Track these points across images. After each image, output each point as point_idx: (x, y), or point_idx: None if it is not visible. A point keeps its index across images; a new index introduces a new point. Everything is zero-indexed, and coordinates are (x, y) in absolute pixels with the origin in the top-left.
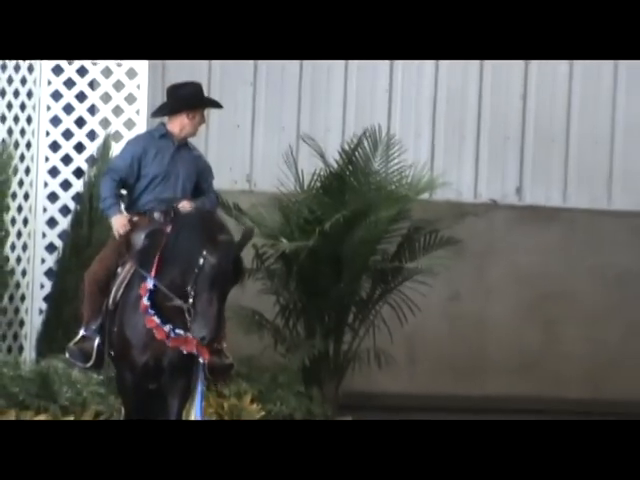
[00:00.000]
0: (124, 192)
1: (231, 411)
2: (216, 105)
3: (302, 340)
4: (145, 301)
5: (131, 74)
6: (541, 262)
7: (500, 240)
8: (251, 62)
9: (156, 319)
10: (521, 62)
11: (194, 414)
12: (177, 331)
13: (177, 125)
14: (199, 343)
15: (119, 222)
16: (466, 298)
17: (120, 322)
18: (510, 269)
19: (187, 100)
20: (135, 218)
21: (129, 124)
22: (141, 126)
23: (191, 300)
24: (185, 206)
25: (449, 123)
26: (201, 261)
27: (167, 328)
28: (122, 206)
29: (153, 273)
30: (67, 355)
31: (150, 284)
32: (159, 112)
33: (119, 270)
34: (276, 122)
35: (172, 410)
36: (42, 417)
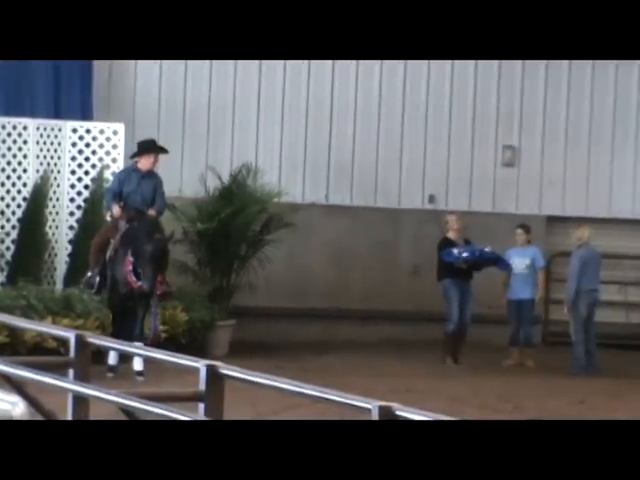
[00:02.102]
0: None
1: (170, 317)
2: (163, 151)
3: (208, 278)
4: (129, 269)
5: (115, 133)
6: (339, 237)
7: (317, 224)
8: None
9: (134, 279)
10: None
11: (152, 322)
12: (139, 282)
13: (141, 164)
14: (143, 286)
15: (116, 209)
16: (298, 254)
17: (112, 269)
18: (322, 239)
19: (146, 149)
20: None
21: (114, 160)
22: (120, 162)
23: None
24: (150, 212)
25: (289, 158)
26: (144, 248)
27: (139, 283)
28: (120, 203)
29: (131, 251)
30: (81, 286)
31: (131, 259)
32: (133, 156)
33: (112, 240)
34: (194, 158)
35: (139, 317)
36: (65, 321)
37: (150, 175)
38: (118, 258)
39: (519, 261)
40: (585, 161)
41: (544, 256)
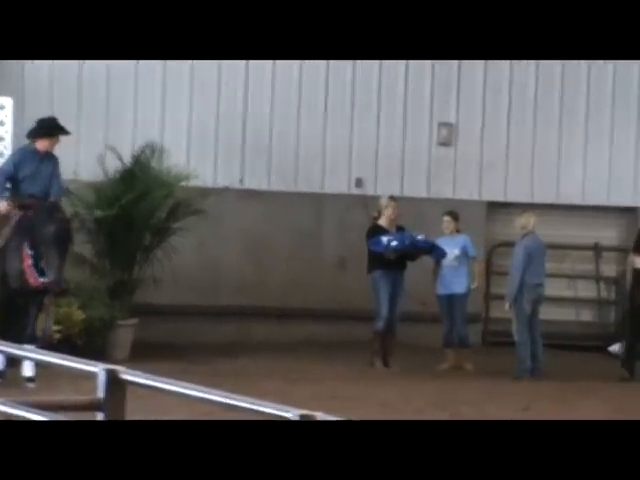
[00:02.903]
0: (9, 186)
1: (65, 316)
2: (65, 133)
3: (108, 271)
4: (28, 263)
5: (2, 108)
6: (254, 225)
7: (230, 211)
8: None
9: (36, 275)
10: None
11: (45, 321)
12: (42, 279)
13: (40, 144)
14: (50, 282)
15: (3, 205)
16: (209, 245)
17: (3, 260)
18: (236, 228)
19: (47, 129)
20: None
21: (1, 139)
22: (8, 140)
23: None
24: (50, 201)
25: (199, 137)
26: (45, 232)
27: (41, 280)
28: (6, 194)
29: (29, 243)
30: None
31: (29, 252)
32: (30, 135)
33: (2, 231)
34: (91, 136)
35: (31, 315)
36: None
37: (49, 157)
38: (10, 250)
39: (448, 252)
40: (530, 141)
41: (476, 245)
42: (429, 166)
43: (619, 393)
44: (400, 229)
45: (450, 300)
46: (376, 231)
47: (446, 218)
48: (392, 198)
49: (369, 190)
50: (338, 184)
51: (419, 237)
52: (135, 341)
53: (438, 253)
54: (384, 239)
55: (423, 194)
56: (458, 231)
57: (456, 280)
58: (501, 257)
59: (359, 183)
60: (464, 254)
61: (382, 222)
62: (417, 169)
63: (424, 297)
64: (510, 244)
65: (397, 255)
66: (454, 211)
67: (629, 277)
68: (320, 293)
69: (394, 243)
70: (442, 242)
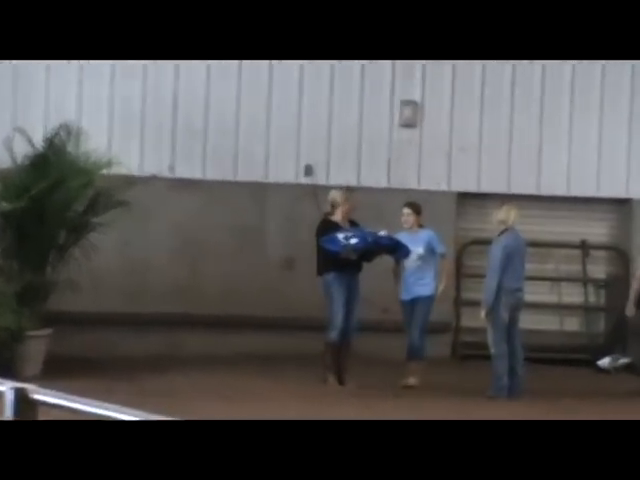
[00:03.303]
0: None
1: None
2: None
3: (16, 273)
4: None
5: None
6: (188, 219)
7: (159, 204)
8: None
9: None
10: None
11: None
12: None
13: None
14: None
15: None
16: (134, 243)
17: None
18: (166, 223)
19: None
20: None
21: None
22: None
23: None
24: None
25: (123, 118)
26: None
27: None
28: None
29: None
30: None
31: None
32: None
33: None
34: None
35: None
36: None
37: None
38: None
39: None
40: (507, 122)
41: (445, 243)
42: (390, 151)
43: (611, 411)
44: (353, 224)
45: (413, 306)
46: (328, 227)
47: (406, 210)
48: (347, 189)
49: (320, 179)
50: (284, 172)
51: (381, 233)
52: (48, 355)
53: (402, 252)
54: (340, 236)
55: (383, 183)
56: (421, 226)
57: (420, 282)
58: (474, 257)
59: (309, 171)
60: (430, 252)
61: (335, 217)
62: (376, 155)
63: (385, 303)
64: (485, 242)
65: (358, 255)
66: (415, 202)
67: (638, 277)
68: (264, 299)
69: (354, 241)
70: (402, 239)
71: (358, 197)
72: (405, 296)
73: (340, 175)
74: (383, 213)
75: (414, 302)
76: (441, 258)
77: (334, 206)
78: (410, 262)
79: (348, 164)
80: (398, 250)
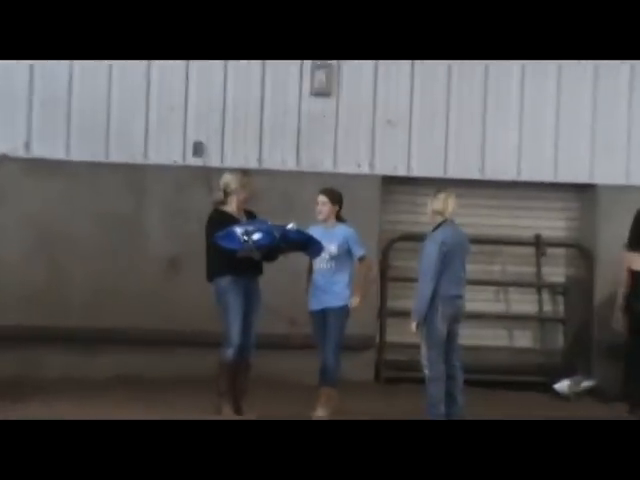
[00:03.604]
0: None
1: None
2: None
3: None
4: None
5: None
6: (47, 209)
7: (11, 190)
8: None
9: None
10: None
11: None
12: None
13: None
14: None
15: None
16: None
17: None
18: (18, 213)
19: None
20: None
21: None
22: None
23: None
24: None
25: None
26: None
27: None
28: None
29: None
30: None
31: None
32: None
33: None
34: None
35: None
36: None
37: None
38: None
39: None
40: (444, 92)
41: (366, 238)
42: (299, 126)
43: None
44: (251, 215)
45: (326, 318)
46: (221, 220)
47: (321, 198)
48: (245, 172)
49: (213, 160)
50: (168, 152)
51: (289, 226)
52: None
53: (315, 249)
54: (239, 231)
55: (290, 166)
56: (339, 219)
57: (332, 289)
58: (403, 256)
59: (198, 150)
60: (345, 252)
61: (229, 207)
62: (281, 130)
63: (292, 313)
64: (416, 237)
65: (262, 254)
66: (333, 189)
67: (623, 280)
68: (141, 308)
69: (257, 236)
70: (314, 233)
71: (259, 182)
72: (314, 305)
73: (237, 155)
74: (291, 202)
75: (325, 313)
76: (359, 262)
77: (228, 193)
78: (320, 262)
79: (247, 141)
80: (310, 246)
